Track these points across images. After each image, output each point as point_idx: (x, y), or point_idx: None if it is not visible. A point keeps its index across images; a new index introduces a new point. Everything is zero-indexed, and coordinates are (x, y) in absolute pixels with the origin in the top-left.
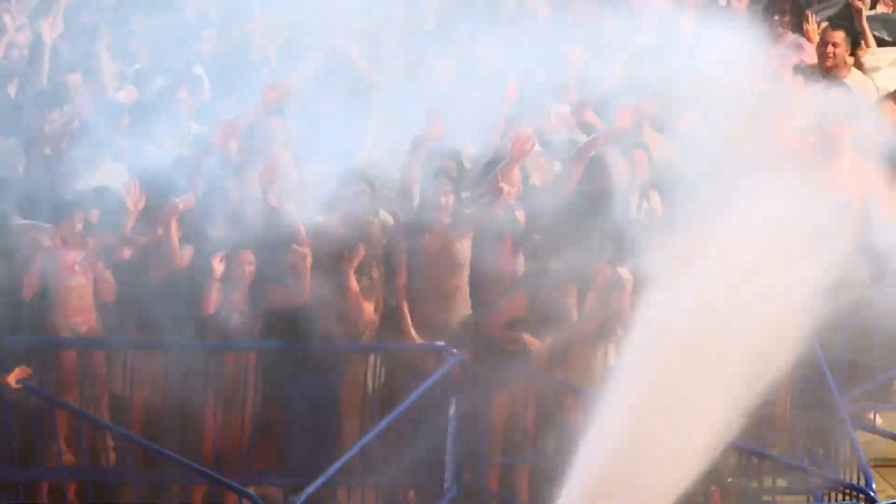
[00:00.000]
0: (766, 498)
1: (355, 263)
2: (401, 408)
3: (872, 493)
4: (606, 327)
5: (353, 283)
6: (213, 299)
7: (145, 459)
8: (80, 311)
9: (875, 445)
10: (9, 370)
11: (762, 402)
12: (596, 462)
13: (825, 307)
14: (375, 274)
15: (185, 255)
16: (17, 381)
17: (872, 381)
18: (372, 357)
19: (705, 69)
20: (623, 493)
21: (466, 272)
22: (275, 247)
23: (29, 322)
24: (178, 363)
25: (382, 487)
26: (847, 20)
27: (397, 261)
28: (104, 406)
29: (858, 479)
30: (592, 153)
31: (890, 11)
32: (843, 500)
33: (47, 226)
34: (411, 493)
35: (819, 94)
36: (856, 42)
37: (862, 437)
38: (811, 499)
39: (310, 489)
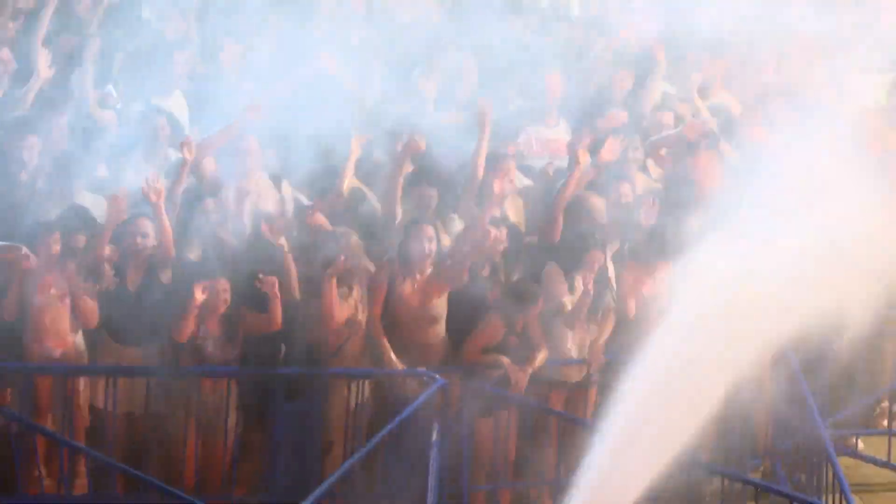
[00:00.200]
0: None
1: (335, 272)
2: (382, 434)
3: None
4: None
5: (331, 291)
6: (189, 327)
7: (126, 485)
8: (55, 336)
9: (858, 470)
10: None
11: (744, 427)
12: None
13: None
14: (356, 289)
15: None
16: None
17: (855, 406)
18: (355, 382)
19: None
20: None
21: (445, 302)
22: (254, 269)
23: (6, 345)
24: (157, 389)
25: None
26: None
27: (377, 292)
28: (81, 432)
29: None
30: (571, 195)
31: None
32: None
33: (24, 247)
34: None
35: None
36: None
37: (844, 462)
38: None
39: None
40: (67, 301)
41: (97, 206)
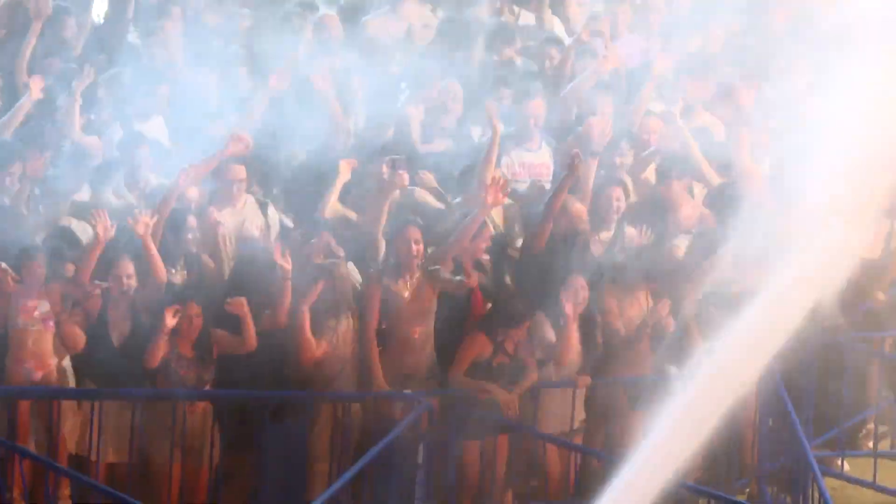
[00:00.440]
0: None
1: (311, 300)
2: (368, 456)
3: None
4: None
5: (305, 323)
6: (159, 352)
7: None
8: (35, 357)
9: (843, 491)
10: None
11: (730, 448)
12: None
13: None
14: (345, 318)
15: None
16: None
17: (840, 427)
18: (342, 405)
19: None
20: None
21: (433, 320)
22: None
23: None
24: (138, 413)
25: None
26: None
27: (369, 311)
28: (63, 455)
29: None
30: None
31: None
32: None
33: (5, 265)
34: None
35: None
36: None
37: (830, 483)
38: None
39: None
40: (51, 325)
41: (82, 232)
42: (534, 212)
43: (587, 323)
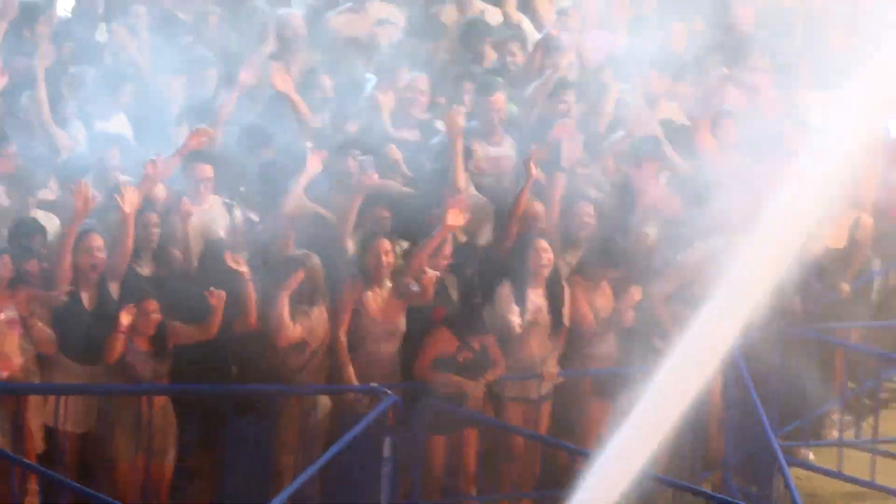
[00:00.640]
0: None
1: (290, 287)
2: (333, 450)
3: None
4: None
5: (283, 309)
6: (118, 349)
7: None
8: (1, 358)
9: (809, 481)
10: None
11: (695, 439)
12: None
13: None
14: (318, 306)
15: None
16: None
17: (806, 417)
18: (308, 399)
19: None
20: None
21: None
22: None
23: None
24: (105, 406)
25: None
26: None
27: (341, 313)
28: (32, 453)
29: None
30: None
31: None
32: None
33: None
34: None
35: None
36: None
37: (795, 473)
38: None
39: None
40: (18, 326)
41: (50, 225)
42: (501, 208)
43: (554, 307)
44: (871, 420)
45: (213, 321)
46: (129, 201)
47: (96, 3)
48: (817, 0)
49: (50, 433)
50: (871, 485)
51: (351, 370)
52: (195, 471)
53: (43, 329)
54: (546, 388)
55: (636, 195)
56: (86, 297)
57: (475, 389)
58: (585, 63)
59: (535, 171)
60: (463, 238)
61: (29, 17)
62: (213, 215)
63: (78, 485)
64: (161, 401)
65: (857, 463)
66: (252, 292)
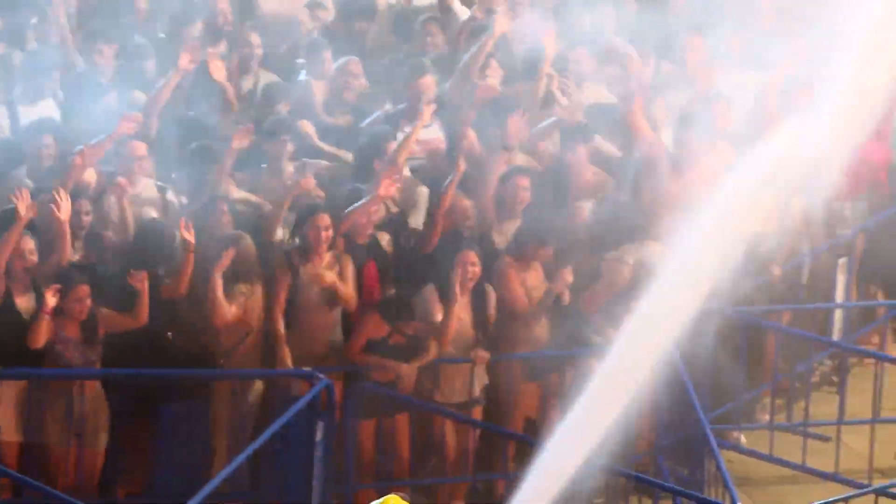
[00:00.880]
0: None
1: (223, 265)
2: (266, 434)
3: None
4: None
5: (217, 289)
6: (43, 334)
7: (11, 489)
8: None
9: (740, 465)
10: None
11: (626, 423)
12: None
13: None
14: (254, 286)
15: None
16: None
17: (737, 400)
18: (241, 383)
19: None
20: None
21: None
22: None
23: None
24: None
25: None
26: None
27: (277, 292)
28: None
29: (724, 498)
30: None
31: None
32: None
33: None
34: None
35: None
36: None
37: (727, 456)
38: None
39: None
40: None
41: None
42: (434, 189)
43: (478, 297)
44: (802, 403)
45: (142, 306)
46: (65, 209)
47: None
48: None
49: None
50: (802, 468)
51: (286, 350)
52: (126, 456)
53: None
54: (477, 389)
55: (570, 178)
56: (20, 302)
57: (407, 373)
58: (513, 45)
59: (463, 165)
60: (395, 209)
61: None
62: (146, 198)
63: (7, 469)
64: (93, 387)
65: (788, 446)
66: (191, 261)
